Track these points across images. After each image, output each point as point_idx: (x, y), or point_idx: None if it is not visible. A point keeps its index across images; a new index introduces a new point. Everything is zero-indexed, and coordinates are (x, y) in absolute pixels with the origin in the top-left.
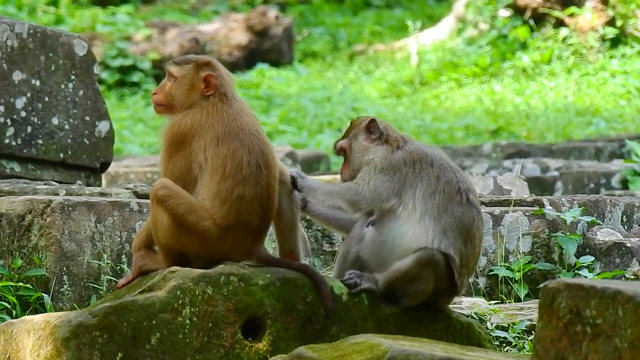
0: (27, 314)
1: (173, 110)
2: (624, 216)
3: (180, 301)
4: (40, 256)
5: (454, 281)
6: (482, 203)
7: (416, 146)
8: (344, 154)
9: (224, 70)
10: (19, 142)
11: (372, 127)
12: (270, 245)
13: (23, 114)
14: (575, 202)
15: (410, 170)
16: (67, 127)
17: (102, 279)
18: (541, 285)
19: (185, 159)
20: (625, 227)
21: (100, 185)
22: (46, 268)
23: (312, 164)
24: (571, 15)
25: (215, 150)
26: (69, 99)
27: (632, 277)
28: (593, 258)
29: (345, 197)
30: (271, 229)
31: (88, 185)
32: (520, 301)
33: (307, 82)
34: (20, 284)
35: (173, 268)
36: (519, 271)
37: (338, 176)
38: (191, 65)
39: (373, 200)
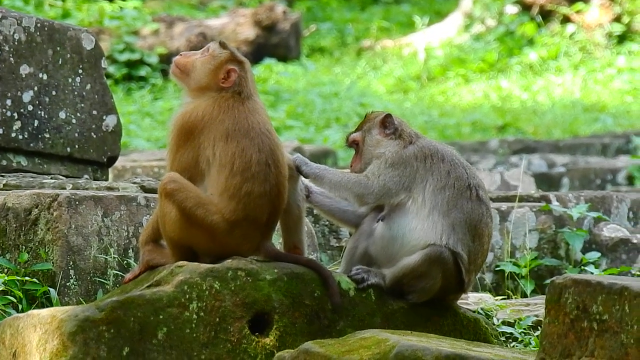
0: (34, 308)
1: (186, 81)
2: (631, 212)
3: (187, 296)
4: (46, 250)
5: (461, 278)
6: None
7: (428, 142)
8: (356, 146)
9: (251, 76)
10: (26, 136)
11: (387, 122)
12: (277, 240)
13: (30, 107)
14: (581, 198)
15: (421, 165)
16: (74, 121)
17: (108, 273)
18: (548, 281)
19: (193, 151)
20: (632, 223)
21: (107, 180)
22: (53, 262)
23: (319, 159)
24: (578, 11)
25: (224, 146)
26: (76, 92)
27: (639, 273)
28: (599, 254)
29: (353, 189)
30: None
31: (95, 180)
32: (527, 297)
33: (315, 78)
34: (27, 278)
35: (180, 263)
36: (525, 267)
37: (345, 171)
38: (227, 53)
39: (381, 196)
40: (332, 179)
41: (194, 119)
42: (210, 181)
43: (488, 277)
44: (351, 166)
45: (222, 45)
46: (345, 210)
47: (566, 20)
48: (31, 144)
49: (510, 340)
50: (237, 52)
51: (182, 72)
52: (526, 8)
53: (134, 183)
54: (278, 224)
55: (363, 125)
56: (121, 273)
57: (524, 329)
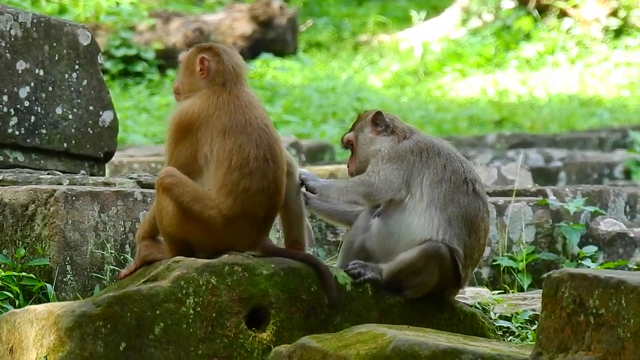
0: (30, 304)
1: (183, 95)
2: (627, 206)
3: (184, 291)
4: (43, 246)
5: (458, 273)
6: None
7: (423, 136)
8: (351, 147)
9: (229, 58)
10: (23, 132)
11: (377, 120)
12: (274, 235)
13: (27, 103)
14: (578, 192)
15: (417, 159)
16: (70, 116)
17: (105, 268)
18: (545, 275)
19: (191, 147)
20: (629, 217)
21: (103, 175)
22: (49, 258)
23: (316, 154)
24: (575, 6)
25: (222, 142)
26: (72, 88)
27: (635, 267)
28: (596, 248)
29: (359, 190)
30: (277, 219)
31: (92, 175)
32: (524, 291)
33: (312, 73)
34: (24, 273)
35: (177, 258)
36: (522, 261)
37: (342, 166)
38: (193, 50)
39: (387, 190)
40: (339, 186)
41: (191, 116)
42: (208, 177)
43: (485, 272)
44: (348, 166)
45: (187, 49)
46: (344, 212)
47: (563, 14)
48: (28, 140)
49: (507, 334)
50: (205, 43)
51: (178, 95)
52: (523, 2)
53: (131, 178)
54: (277, 218)
55: (356, 124)
56: (118, 268)
57: (521, 323)
